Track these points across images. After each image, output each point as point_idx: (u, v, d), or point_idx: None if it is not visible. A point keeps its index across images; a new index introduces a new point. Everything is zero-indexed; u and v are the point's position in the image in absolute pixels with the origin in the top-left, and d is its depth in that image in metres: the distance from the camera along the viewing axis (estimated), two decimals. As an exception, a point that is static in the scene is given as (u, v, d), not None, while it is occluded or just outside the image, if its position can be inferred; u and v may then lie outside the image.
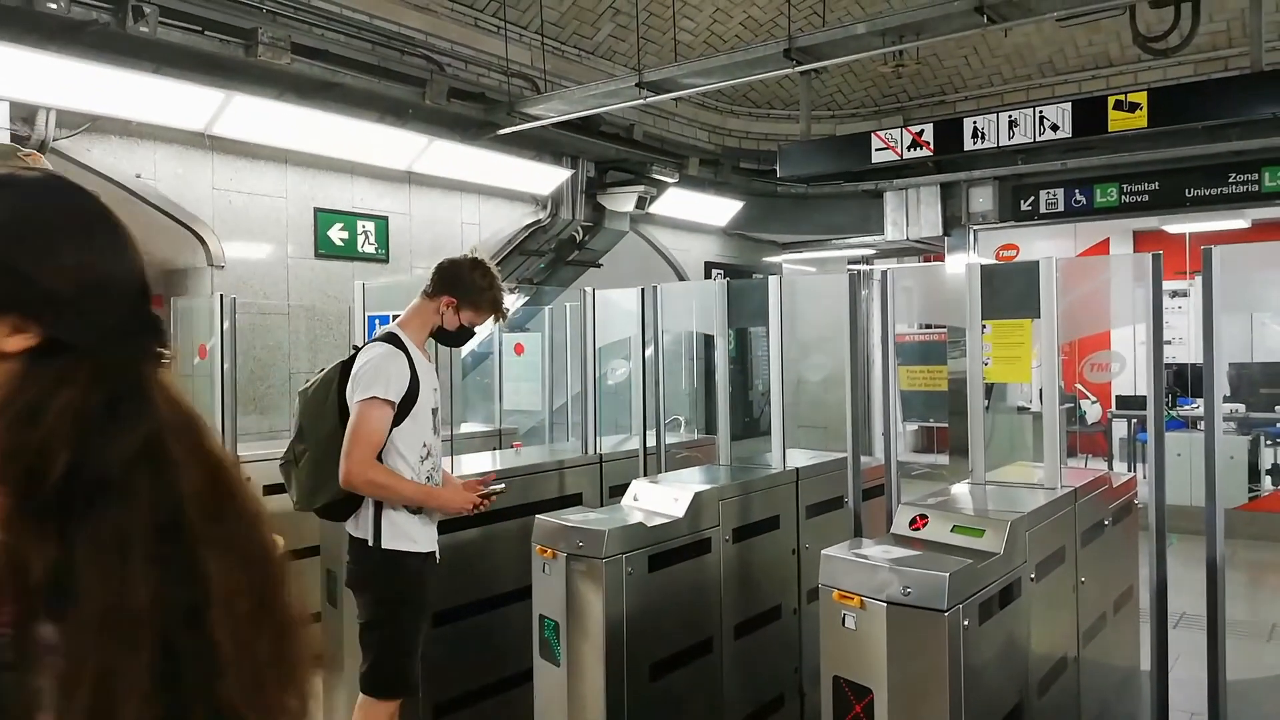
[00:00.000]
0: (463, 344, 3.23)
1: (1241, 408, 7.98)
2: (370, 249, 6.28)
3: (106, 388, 0.72)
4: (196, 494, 0.72)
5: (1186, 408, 8.03)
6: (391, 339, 2.89)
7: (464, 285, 2.98)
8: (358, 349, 2.97)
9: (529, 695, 3.24)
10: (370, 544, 2.82)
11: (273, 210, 5.77)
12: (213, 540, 0.70)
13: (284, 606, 0.73)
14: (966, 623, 2.35)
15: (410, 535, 2.87)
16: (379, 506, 2.82)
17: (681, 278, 9.41)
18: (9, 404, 0.70)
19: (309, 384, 3.05)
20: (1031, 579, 2.75)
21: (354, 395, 2.76)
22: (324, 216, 6.03)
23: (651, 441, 4.48)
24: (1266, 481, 7.97)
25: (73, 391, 0.70)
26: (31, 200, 0.78)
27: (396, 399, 2.78)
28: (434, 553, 3.00)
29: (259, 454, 4.90)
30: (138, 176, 5.10)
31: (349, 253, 6.16)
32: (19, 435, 0.68)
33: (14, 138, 4.59)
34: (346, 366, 2.89)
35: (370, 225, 6.28)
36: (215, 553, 0.70)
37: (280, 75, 5.35)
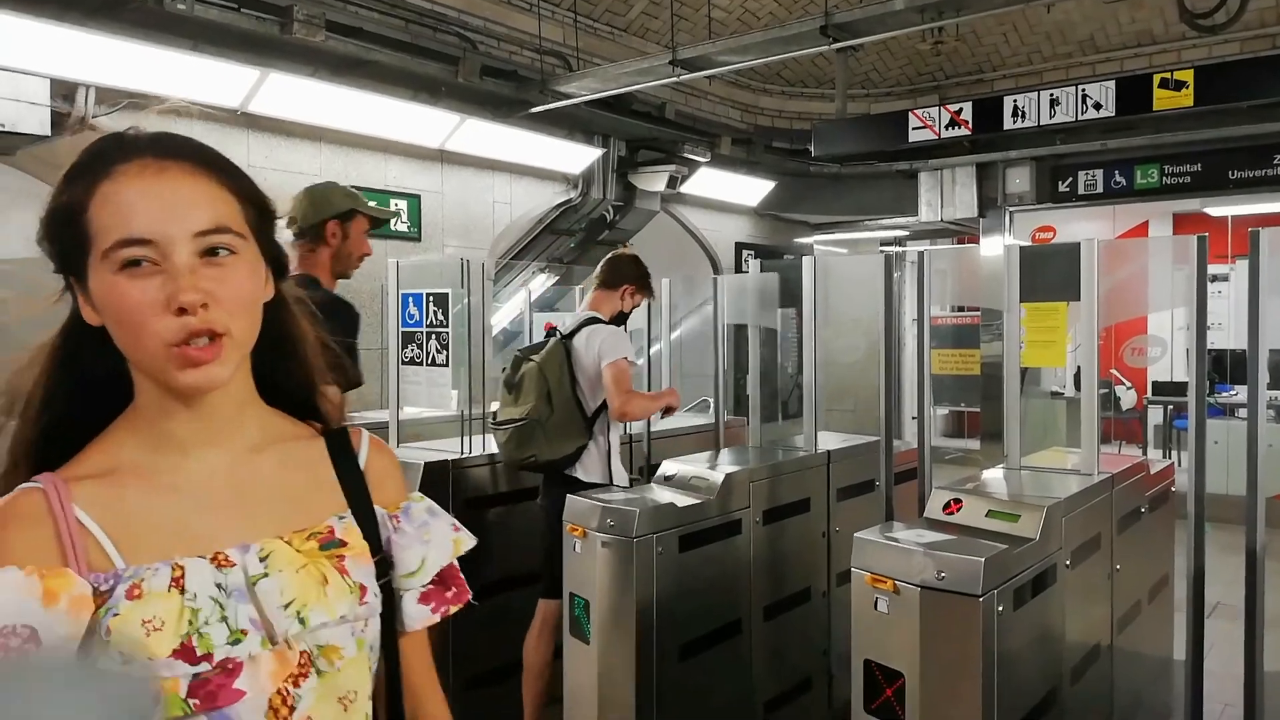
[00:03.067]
0: (624, 324, 3.87)
1: (1282, 395, 7.84)
2: (403, 227, 6.30)
3: None
4: None
5: (1225, 395, 7.90)
6: (601, 321, 3.67)
7: (637, 274, 3.77)
8: (559, 332, 3.68)
9: (558, 672, 3.27)
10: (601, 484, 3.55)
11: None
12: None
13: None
14: (1001, 608, 2.33)
15: (624, 478, 3.70)
16: (609, 457, 3.60)
17: (712, 258, 9.37)
18: (300, 311, 1.08)
19: (529, 362, 3.64)
20: (1066, 565, 2.72)
21: (602, 360, 3.51)
22: (357, 194, 6.05)
23: (677, 423, 4.48)
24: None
25: None
26: None
27: (632, 358, 3.60)
28: None
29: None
30: (174, 153, 5.14)
31: (382, 231, 6.13)
32: None
33: (54, 114, 4.64)
34: (564, 345, 3.60)
35: (403, 203, 6.31)
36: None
37: (315, 53, 5.37)
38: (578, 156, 7.31)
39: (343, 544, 0.99)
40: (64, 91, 4.70)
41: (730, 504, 3.33)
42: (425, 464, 3.69)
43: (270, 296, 0.99)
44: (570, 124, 7.09)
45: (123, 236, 0.87)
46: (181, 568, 0.89)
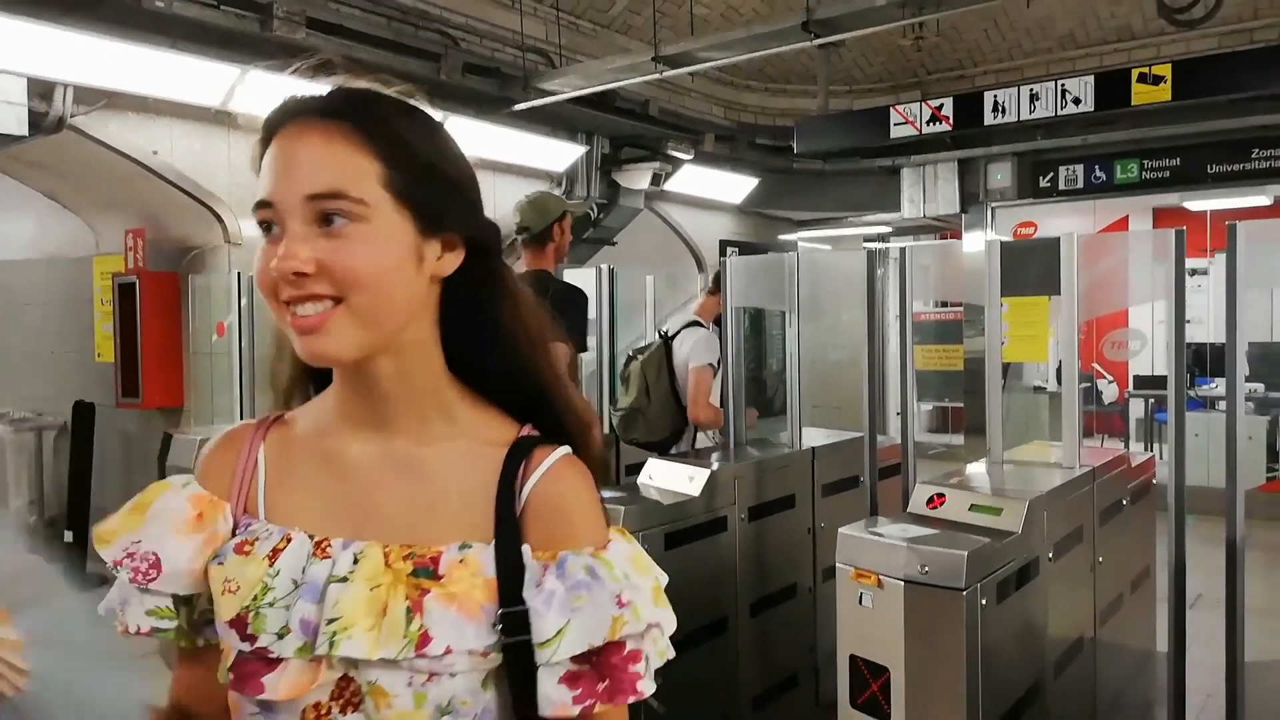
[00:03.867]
0: None
1: (1260, 387, 7.91)
2: (385, 226, 6.27)
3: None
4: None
5: (1204, 387, 7.96)
6: (701, 325, 4.20)
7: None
8: (667, 333, 4.24)
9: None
10: None
11: (288, 187, 5.77)
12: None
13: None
14: (984, 601, 2.35)
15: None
16: (695, 440, 4.20)
17: (696, 255, 9.37)
18: (517, 295, 0.95)
19: (635, 360, 4.22)
20: (1049, 558, 2.74)
21: (690, 362, 4.05)
22: (339, 193, 6.02)
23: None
24: (1286, 462, 7.91)
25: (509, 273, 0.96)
26: (429, 120, 0.94)
27: (716, 363, 4.07)
28: None
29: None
30: (154, 153, 5.11)
31: (364, 229, 6.16)
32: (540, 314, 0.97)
33: (32, 114, 4.60)
34: (665, 345, 4.17)
35: (385, 202, 6.28)
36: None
37: (295, 50, 5.30)
38: (561, 154, 7.29)
39: (438, 577, 0.84)
40: (41, 90, 4.65)
41: (715, 501, 3.33)
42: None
43: (443, 273, 0.90)
44: (553, 122, 7.08)
45: (255, 200, 0.86)
46: (288, 541, 0.87)
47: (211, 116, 5.27)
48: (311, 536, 0.87)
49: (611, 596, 0.85)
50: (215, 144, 5.35)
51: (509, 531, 0.86)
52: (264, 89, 5.24)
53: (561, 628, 0.83)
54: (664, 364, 4.14)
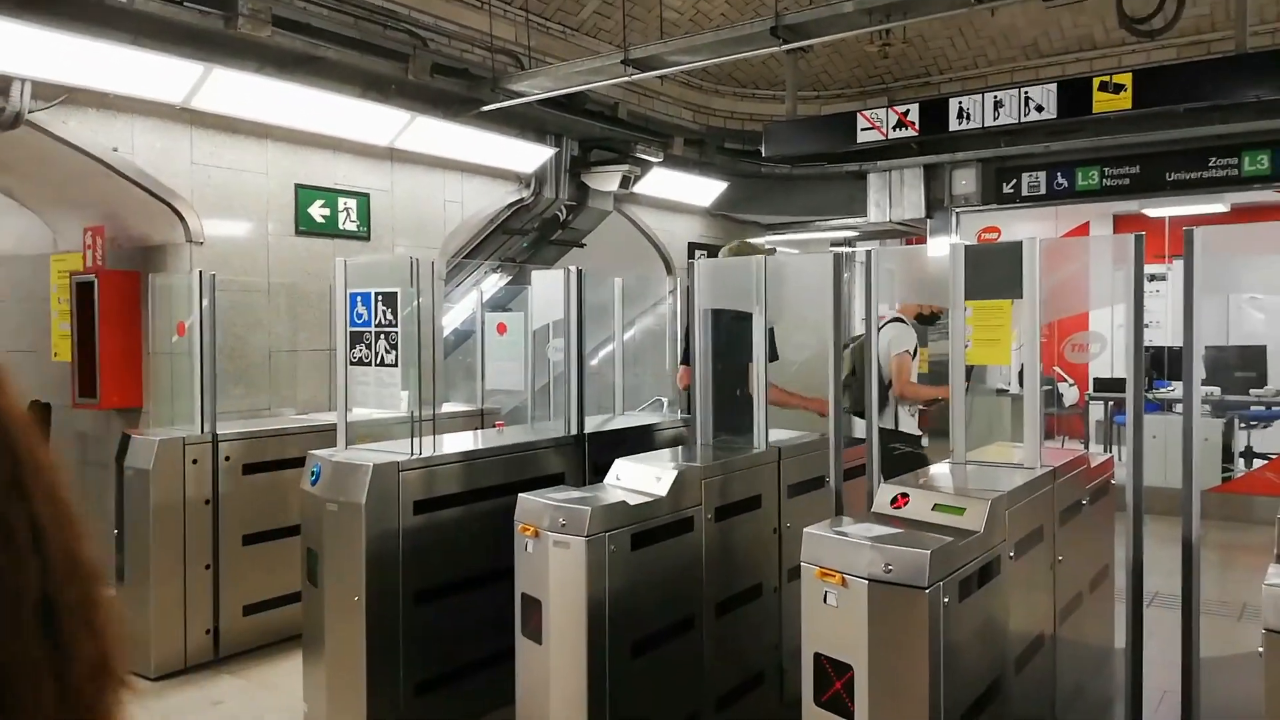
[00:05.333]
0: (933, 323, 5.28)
1: (1217, 390, 8.07)
2: (352, 226, 6.22)
3: None
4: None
5: (1163, 390, 8.11)
6: (903, 321, 5.06)
7: None
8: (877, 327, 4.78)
9: (511, 673, 3.25)
10: (910, 434, 5.04)
11: (253, 186, 5.70)
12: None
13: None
14: (946, 600, 2.37)
15: (912, 427, 5.08)
16: (896, 415, 4.95)
17: (665, 258, 9.39)
18: None
19: (848, 348, 4.82)
20: (1010, 557, 2.77)
21: (890, 350, 4.92)
22: (305, 193, 5.96)
23: (630, 421, 4.48)
24: (1239, 463, 8.08)
25: None
26: None
27: (914, 352, 5.01)
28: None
29: (239, 431, 4.87)
30: (115, 150, 5.02)
31: (330, 230, 6.11)
32: None
33: (-13, 109, 4.51)
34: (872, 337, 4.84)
35: (352, 202, 6.23)
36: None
37: (261, 48, 5.28)
38: (530, 156, 7.28)
39: None
40: (-3, 85, 4.56)
41: (682, 501, 3.34)
42: (374, 466, 3.65)
43: None
44: (522, 123, 7.06)
45: None
46: None
47: (174, 113, 5.20)
48: None
49: None
50: (178, 141, 5.27)
51: None
52: (229, 87, 5.19)
53: None
54: (868, 349, 4.75)
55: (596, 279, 5.07)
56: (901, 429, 5.06)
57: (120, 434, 4.82)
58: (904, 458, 4.85)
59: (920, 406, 5.16)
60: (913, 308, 5.14)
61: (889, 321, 5.06)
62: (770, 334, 4.01)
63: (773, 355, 4.11)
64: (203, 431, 4.73)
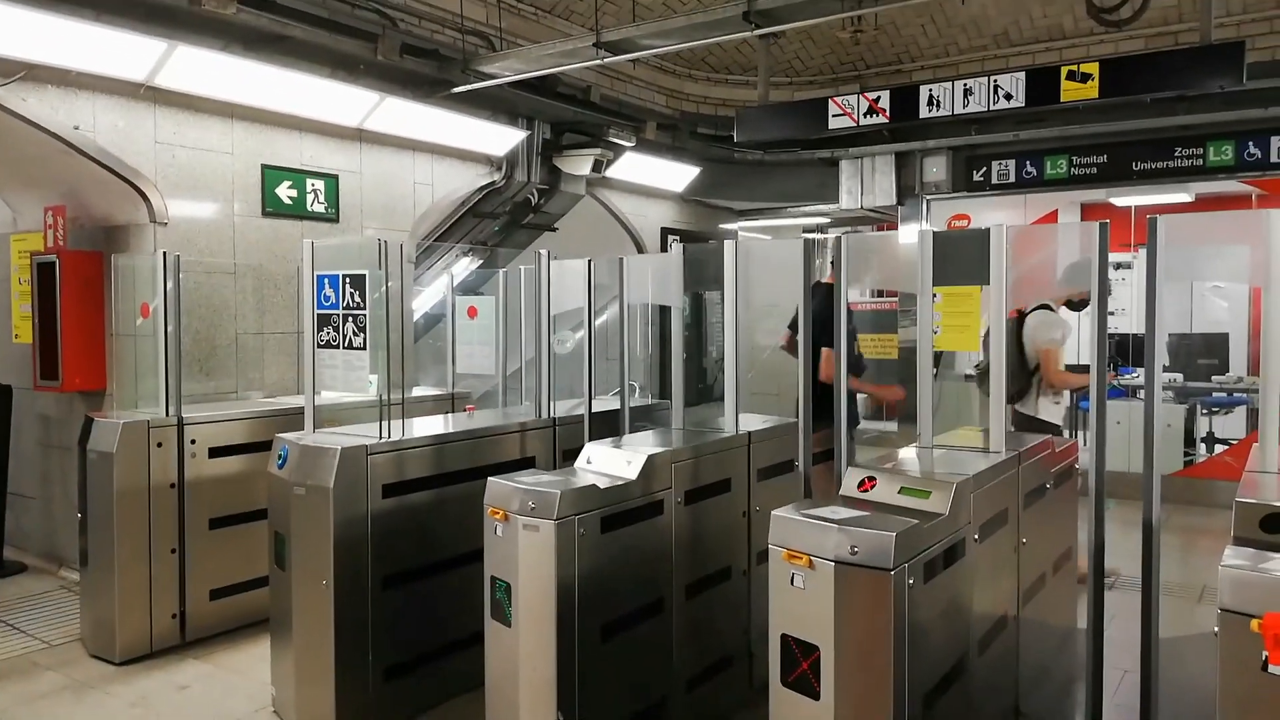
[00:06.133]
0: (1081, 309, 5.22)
1: (1179, 377, 8.21)
2: (320, 208, 6.15)
3: None
4: None
5: (1127, 377, 8.24)
6: (1049, 308, 5.12)
7: None
8: (1024, 312, 5.12)
9: (480, 657, 3.25)
10: (1051, 423, 5.09)
11: (218, 166, 5.62)
12: None
13: None
14: (911, 581, 2.40)
15: (1051, 413, 5.16)
16: (1038, 399, 5.08)
17: (638, 243, 9.37)
18: None
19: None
20: (975, 539, 2.81)
21: (1037, 338, 5.04)
22: (271, 173, 5.88)
23: (600, 406, 4.48)
24: (1201, 449, 8.23)
25: None
26: None
27: (1063, 339, 5.10)
28: None
29: (205, 415, 4.82)
30: (76, 128, 4.92)
31: (297, 211, 6.03)
32: None
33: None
34: (1018, 321, 5.07)
35: (320, 183, 6.15)
36: None
37: (226, 26, 5.18)
38: (501, 138, 7.22)
39: None
40: (-47, 60, 4.45)
41: (652, 485, 3.35)
42: (341, 449, 3.62)
43: None
44: (494, 105, 7.00)
45: None
46: None
47: (137, 91, 5.10)
48: None
49: None
50: (141, 120, 5.18)
51: None
52: (193, 65, 5.10)
53: None
54: (1014, 334, 5.00)
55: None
56: (1042, 417, 5.10)
57: (83, 417, 4.75)
58: None
59: (1057, 397, 5.18)
60: (1061, 294, 5.10)
61: (1036, 308, 5.07)
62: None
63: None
64: (168, 414, 4.67)
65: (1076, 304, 5.22)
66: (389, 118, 6.26)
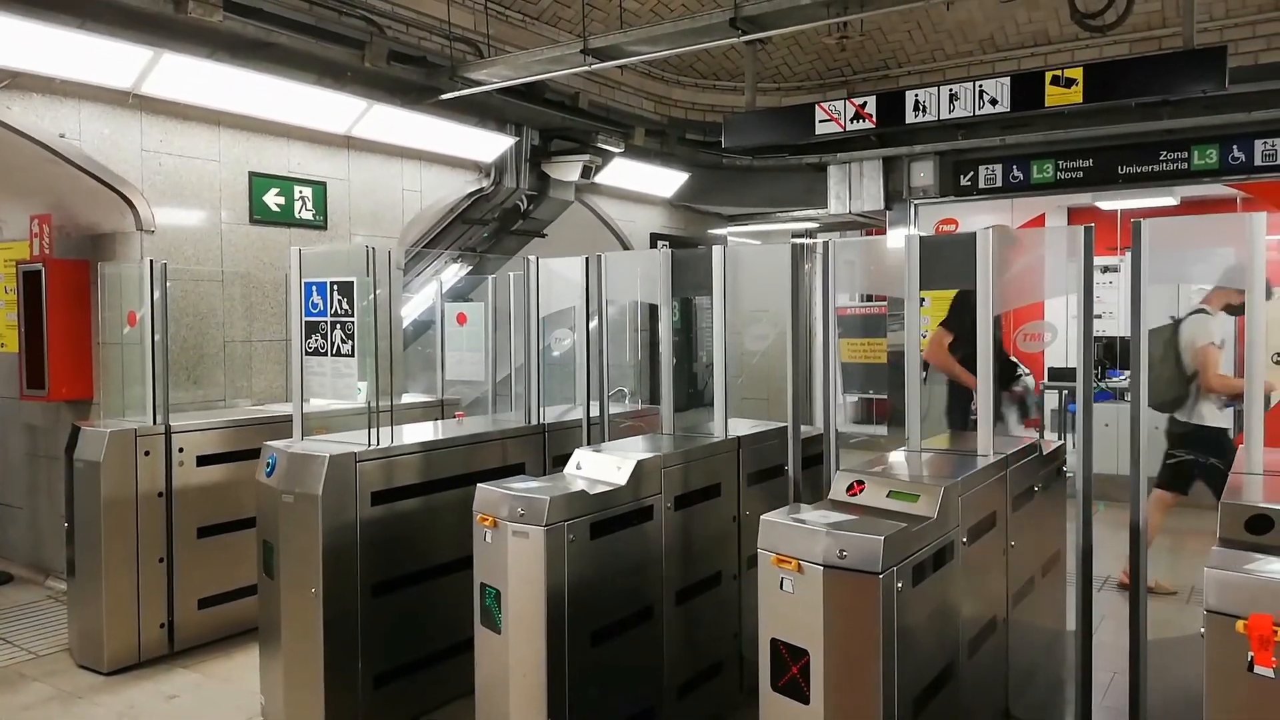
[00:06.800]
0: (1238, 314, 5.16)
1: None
2: (308, 215, 6.14)
3: None
4: None
5: (1115, 379, 8.28)
6: (1206, 312, 5.04)
7: None
8: (1176, 318, 5.16)
9: (470, 664, 3.24)
10: (1217, 427, 5.03)
11: (205, 174, 5.60)
12: None
13: None
14: (900, 585, 2.40)
15: (1213, 418, 5.06)
16: (1199, 405, 5.04)
17: (627, 249, 9.37)
18: None
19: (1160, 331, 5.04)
20: (964, 542, 2.82)
21: (1196, 342, 4.98)
22: (259, 181, 5.87)
23: (595, 412, 4.47)
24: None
25: None
26: None
27: (1220, 342, 5.00)
28: None
29: (193, 423, 4.80)
30: (61, 136, 4.90)
31: (285, 219, 6.02)
32: None
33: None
34: (1175, 327, 5.08)
35: (307, 191, 6.14)
36: None
37: (212, 33, 5.17)
38: (490, 145, 7.23)
39: None
40: (-63, 68, 4.43)
41: (642, 490, 3.35)
42: (330, 457, 3.61)
43: None
44: (482, 112, 7.01)
45: None
46: None
47: (123, 99, 5.09)
48: None
49: None
50: (127, 128, 5.16)
51: None
52: (179, 72, 5.08)
53: None
54: (1171, 341, 5.00)
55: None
56: (1208, 424, 5.04)
57: (70, 426, 4.73)
58: (1208, 469, 4.88)
59: (1226, 401, 5.12)
60: (1219, 297, 5.01)
61: (1193, 313, 5.01)
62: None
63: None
64: (155, 423, 4.65)
65: (1236, 307, 5.02)
66: (377, 125, 6.25)
